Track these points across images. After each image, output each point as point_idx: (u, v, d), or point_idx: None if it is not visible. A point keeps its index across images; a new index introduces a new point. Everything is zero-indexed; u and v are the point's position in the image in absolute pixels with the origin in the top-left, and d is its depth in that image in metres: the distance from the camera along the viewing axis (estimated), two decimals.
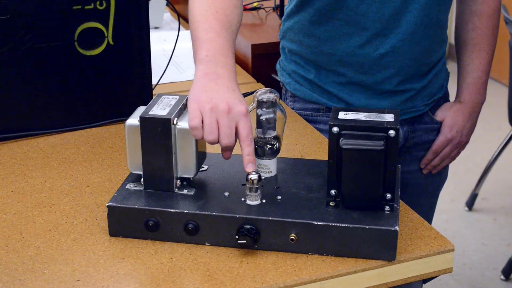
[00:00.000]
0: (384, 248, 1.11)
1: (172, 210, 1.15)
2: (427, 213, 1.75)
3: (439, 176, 1.73)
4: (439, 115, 1.66)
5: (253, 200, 1.16)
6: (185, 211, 1.15)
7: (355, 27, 1.49)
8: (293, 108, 1.65)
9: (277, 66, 1.71)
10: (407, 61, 1.53)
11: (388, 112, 1.16)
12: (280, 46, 1.69)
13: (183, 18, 2.41)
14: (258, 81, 1.88)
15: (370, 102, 1.56)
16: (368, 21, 1.48)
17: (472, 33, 1.64)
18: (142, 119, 1.17)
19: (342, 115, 1.16)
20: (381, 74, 1.53)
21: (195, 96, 1.16)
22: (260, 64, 2.03)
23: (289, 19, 1.60)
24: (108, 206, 1.17)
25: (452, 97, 1.72)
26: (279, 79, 1.71)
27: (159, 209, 1.16)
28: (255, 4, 2.32)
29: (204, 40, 1.23)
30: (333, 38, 1.52)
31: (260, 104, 1.23)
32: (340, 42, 1.51)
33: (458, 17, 1.67)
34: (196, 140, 1.18)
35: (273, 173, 1.26)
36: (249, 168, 1.16)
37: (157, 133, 1.17)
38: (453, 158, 1.71)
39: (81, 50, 1.52)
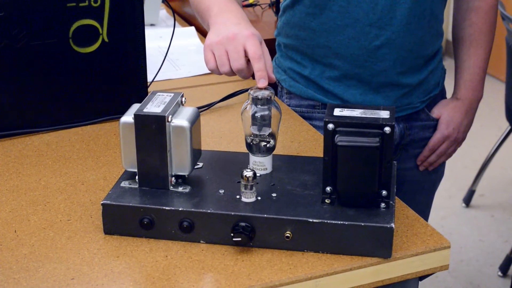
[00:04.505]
0: (379, 246, 1.11)
1: (167, 208, 1.15)
2: (424, 211, 1.75)
3: (436, 173, 1.73)
4: (436, 112, 1.66)
5: (248, 198, 1.16)
6: (180, 209, 1.14)
7: (348, 18, 1.49)
8: (289, 105, 1.65)
9: (273, 64, 1.71)
10: (403, 53, 1.53)
11: (383, 109, 1.16)
12: (276, 43, 1.69)
13: (179, 15, 2.40)
14: (253, 78, 1.87)
15: (365, 98, 1.56)
16: (361, 12, 1.48)
17: (470, 29, 1.64)
18: (137, 116, 1.17)
19: (337, 111, 1.15)
20: (377, 67, 1.53)
21: (207, 41, 1.25)
22: None
23: (285, 14, 1.61)
24: (102, 204, 1.17)
25: (449, 95, 1.72)
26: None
27: (154, 206, 1.15)
28: (251, 1, 2.32)
29: (213, 5, 1.34)
30: (328, 30, 1.52)
31: (255, 101, 1.23)
32: (335, 34, 1.52)
33: (456, 13, 1.67)
34: (191, 138, 1.17)
35: (269, 170, 1.25)
36: (261, 83, 1.19)
37: (152, 131, 1.16)
38: (450, 155, 1.70)
39: (75, 48, 1.51)
